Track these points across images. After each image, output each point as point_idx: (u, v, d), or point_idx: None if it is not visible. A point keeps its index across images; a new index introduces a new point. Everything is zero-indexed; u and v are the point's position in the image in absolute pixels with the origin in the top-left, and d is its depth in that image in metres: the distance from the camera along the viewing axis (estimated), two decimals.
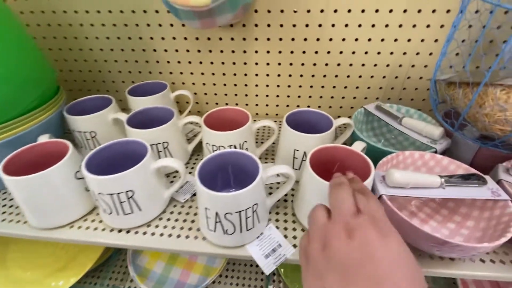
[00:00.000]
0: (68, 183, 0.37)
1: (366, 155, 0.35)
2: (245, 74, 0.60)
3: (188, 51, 0.57)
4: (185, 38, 0.55)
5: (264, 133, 0.60)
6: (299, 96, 0.62)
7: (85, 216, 0.41)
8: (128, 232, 0.39)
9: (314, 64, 0.56)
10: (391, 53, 0.53)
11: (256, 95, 0.63)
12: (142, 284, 0.51)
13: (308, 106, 0.63)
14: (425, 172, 0.41)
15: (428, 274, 0.34)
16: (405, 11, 0.48)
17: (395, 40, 0.51)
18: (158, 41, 0.57)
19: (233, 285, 0.55)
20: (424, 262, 0.34)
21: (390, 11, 0.48)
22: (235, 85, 0.62)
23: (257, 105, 0.65)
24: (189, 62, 0.59)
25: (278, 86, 0.61)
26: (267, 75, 0.59)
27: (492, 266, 0.33)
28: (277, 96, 0.62)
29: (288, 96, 0.62)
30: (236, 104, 0.65)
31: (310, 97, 0.62)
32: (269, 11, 0.50)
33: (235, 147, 0.43)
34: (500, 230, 0.30)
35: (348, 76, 0.57)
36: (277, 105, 0.64)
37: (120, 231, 0.39)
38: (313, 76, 0.58)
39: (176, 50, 0.57)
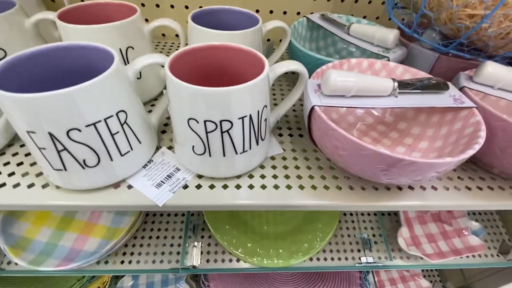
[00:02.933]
0: None
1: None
2: None
3: None
4: None
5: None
6: None
7: None
8: None
9: None
10: None
11: (172, 6, 0.47)
12: (17, 258, 0.38)
13: None
14: None
15: (373, 209, 0.26)
16: None
17: None
18: None
19: (150, 247, 0.45)
20: (367, 194, 0.26)
21: None
22: None
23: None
24: None
25: None
26: None
27: (446, 193, 0.27)
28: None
29: None
30: (146, 20, 0.49)
31: None
32: None
33: None
34: (463, 145, 0.22)
35: None
36: None
37: None
38: None
39: None
